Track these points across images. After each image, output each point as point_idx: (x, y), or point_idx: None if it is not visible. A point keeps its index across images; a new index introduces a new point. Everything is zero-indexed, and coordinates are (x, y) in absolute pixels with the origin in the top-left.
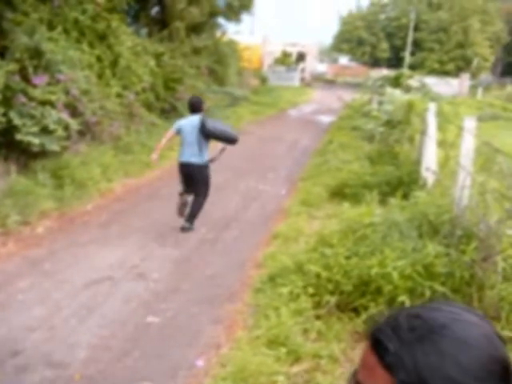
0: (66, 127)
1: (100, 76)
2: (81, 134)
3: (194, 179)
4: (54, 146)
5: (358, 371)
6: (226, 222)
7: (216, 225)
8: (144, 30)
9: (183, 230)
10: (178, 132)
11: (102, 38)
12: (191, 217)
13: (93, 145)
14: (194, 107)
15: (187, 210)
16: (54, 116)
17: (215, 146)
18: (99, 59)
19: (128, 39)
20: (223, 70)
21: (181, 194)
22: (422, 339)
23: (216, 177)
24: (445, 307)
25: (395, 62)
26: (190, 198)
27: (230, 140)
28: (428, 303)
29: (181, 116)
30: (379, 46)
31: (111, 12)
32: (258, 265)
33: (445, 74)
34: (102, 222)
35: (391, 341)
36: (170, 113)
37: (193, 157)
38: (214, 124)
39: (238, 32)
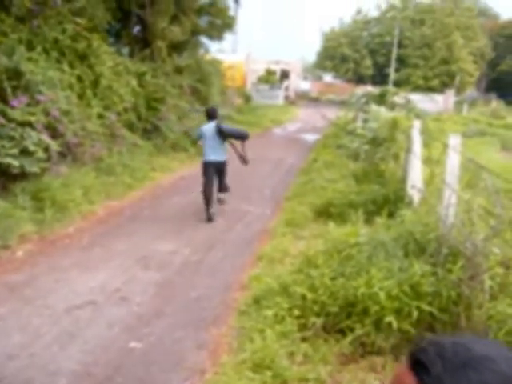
0: (47, 148)
1: (81, 96)
2: (61, 155)
3: (219, 171)
4: (34, 168)
5: None
6: (211, 244)
7: (200, 246)
8: (125, 49)
9: (219, 201)
10: (200, 137)
11: (83, 57)
12: (223, 190)
13: (74, 166)
14: (212, 115)
15: (216, 194)
16: (34, 137)
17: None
18: (80, 79)
19: (109, 59)
20: (206, 88)
21: (203, 192)
22: (466, 367)
23: (199, 197)
24: (488, 342)
25: (380, 78)
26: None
27: (244, 136)
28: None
29: (164, 136)
30: (363, 62)
31: (92, 31)
32: (243, 287)
33: (430, 90)
34: (84, 245)
35: (434, 364)
36: (152, 133)
37: (217, 155)
38: (227, 127)
39: (221, 50)
